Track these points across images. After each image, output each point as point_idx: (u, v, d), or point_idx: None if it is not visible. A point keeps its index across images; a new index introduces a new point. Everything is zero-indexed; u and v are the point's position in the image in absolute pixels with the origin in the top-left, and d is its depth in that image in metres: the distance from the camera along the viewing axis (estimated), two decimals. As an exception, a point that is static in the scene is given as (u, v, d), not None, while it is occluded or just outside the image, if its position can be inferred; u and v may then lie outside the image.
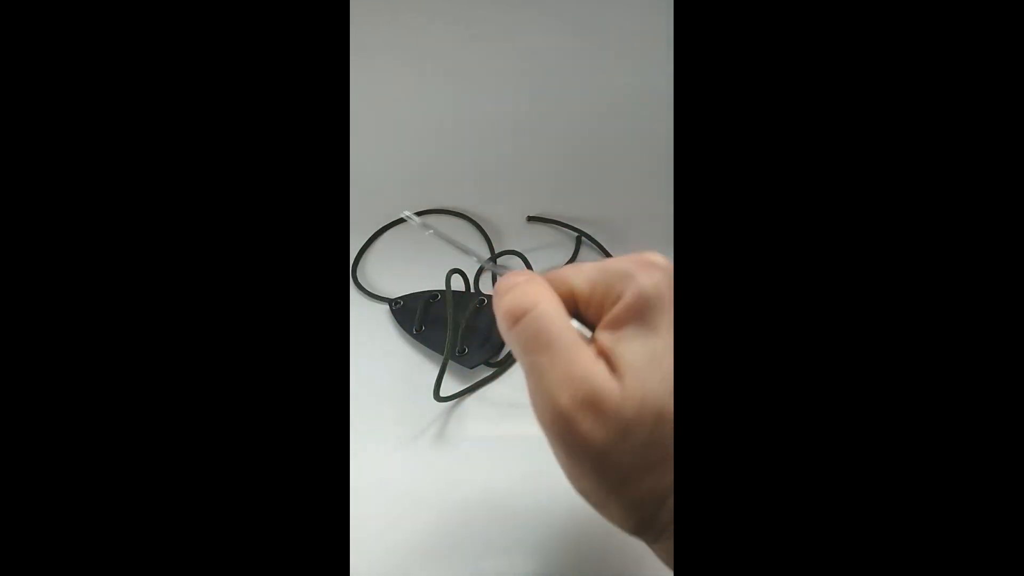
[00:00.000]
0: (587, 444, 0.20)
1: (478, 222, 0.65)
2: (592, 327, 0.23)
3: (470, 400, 0.49)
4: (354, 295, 0.58)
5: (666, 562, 0.23)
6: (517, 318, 0.21)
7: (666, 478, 0.21)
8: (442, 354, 0.49)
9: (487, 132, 0.73)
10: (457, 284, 0.54)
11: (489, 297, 0.56)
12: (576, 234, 0.65)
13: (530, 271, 0.22)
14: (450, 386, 0.49)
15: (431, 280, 0.55)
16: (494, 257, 0.61)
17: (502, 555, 0.38)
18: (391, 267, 0.61)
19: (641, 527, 0.22)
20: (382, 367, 0.51)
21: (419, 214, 0.67)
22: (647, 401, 0.20)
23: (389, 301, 0.56)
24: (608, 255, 0.63)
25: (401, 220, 0.65)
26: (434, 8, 0.70)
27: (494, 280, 0.59)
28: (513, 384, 0.50)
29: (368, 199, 0.62)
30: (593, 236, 0.64)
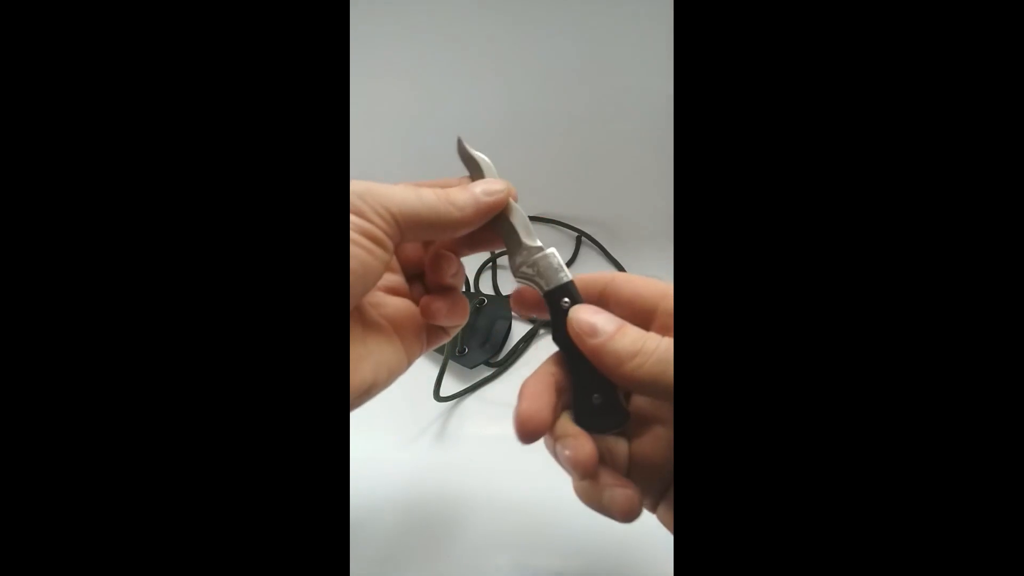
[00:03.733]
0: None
1: (478, 222, 0.65)
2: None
3: (470, 400, 0.49)
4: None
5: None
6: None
7: None
8: (442, 354, 0.49)
9: (487, 132, 0.73)
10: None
11: (489, 297, 0.56)
12: (576, 234, 0.65)
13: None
14: (450, 386, 0.49)
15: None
16: (494, 258, 0.61)
17: (502, 554, 0.38)
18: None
19: None
20: (382, 367, 0.51)
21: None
22: None
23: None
24: (608, 255, 0.63)
25: None
26: (435, 9, 0.70)
27: (494, 278, 0.59)
28: (513, 384, 0.50)
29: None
30: (593, 236, 0.64)
